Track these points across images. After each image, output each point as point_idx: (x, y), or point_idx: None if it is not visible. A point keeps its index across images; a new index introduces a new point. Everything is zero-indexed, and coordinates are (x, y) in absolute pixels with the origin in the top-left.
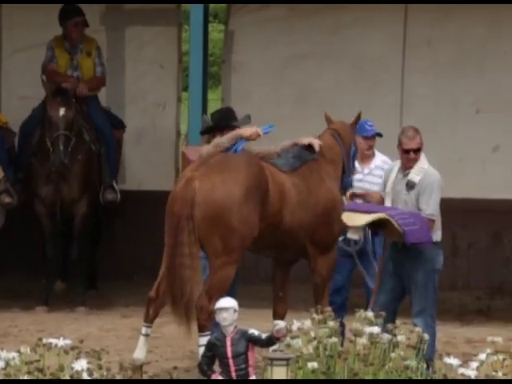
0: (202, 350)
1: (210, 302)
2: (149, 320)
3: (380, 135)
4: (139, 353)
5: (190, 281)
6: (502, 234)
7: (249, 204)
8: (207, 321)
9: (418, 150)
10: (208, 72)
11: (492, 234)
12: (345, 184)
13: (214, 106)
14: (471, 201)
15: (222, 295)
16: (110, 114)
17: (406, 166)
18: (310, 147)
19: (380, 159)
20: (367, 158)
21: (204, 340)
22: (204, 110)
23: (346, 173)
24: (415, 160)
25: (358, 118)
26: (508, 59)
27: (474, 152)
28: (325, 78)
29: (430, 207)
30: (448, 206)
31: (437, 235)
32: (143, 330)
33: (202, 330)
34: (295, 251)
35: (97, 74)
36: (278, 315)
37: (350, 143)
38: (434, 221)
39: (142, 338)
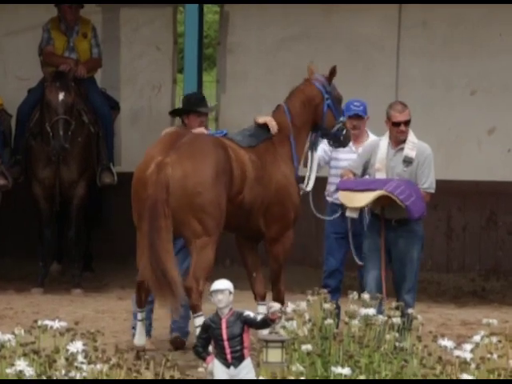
0: (197, 330)
1: (197, 283)
2: (142, 305)
3: (359, 116)
4: (140, 339)
5: (170, 264)
6: (496, 215)
7: (218, 187)
8: (198, 300)
9: (407, 123)
10: (203, 54)
11: (487, 215)
12: (333, 135)
13: (209, 87)
14: (466, 183)
15: (207, 275)
16: (106, 96)
17: (397, 140)
18: (265, 126)
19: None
20: (356, 137)
21: (199, 321)
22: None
23: (323, 126)
24: (405, 133)
25: (332, 72)
26: (503, 41)
27: (469, 134)
28: (320, 60)
29: (429, 181)
30: (443, 188)
31: None
32: (139, 316)
33: (195, 310)
34: (255, 229)
35: (93, 55)
36: (259, 295)
37: (313, 108)
38: (431, 194)
39: (139, 324)
